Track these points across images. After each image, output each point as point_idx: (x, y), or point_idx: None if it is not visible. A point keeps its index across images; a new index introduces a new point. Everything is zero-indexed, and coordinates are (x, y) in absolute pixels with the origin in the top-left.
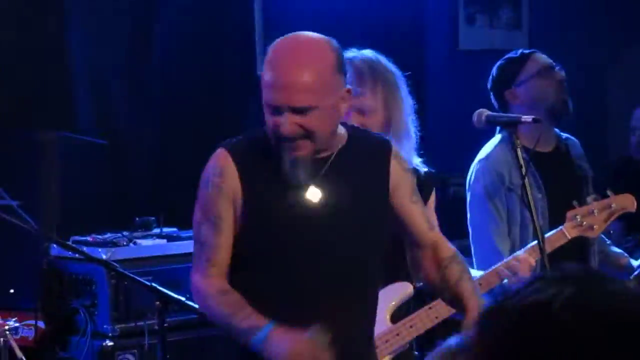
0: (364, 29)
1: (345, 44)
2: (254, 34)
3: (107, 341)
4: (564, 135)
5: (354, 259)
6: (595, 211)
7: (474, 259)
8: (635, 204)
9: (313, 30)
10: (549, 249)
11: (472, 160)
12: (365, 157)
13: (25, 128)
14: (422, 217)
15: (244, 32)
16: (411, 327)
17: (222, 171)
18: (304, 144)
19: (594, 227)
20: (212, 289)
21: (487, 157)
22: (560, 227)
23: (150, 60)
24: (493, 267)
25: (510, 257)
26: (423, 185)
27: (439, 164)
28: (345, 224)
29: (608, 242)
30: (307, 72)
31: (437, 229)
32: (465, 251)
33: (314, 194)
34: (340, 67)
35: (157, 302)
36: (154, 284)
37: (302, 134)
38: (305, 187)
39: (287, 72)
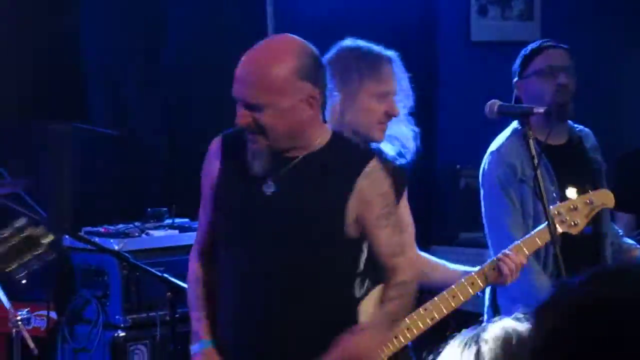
0: (375, 20)
1: (357, 36)
2: (267, 29)
3: (119, 332)
4: (578, 127)
5: (296, 257)
6: (578, 207)
7: (490, 250)
8: (614, 200)
9: (323, 26)
10: (535, 246)
11: (485, 151)
12: (335, 166)
13: (38, 119)
14: (387, 242)
15: (256, 28)
16: (408, 329)
17: (210, 158)
18: (258, 138)
19: (577, 222)
20: (192, 275)
21: (499, 149)
22: (545, 224)
23: (163, 53)
24: (481, 266)
25: (497, 255)
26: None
27: (451, 155)
28: (292, 222)
29: (620, 233)
30: (262, 71)
31: (405, 253)
32: (478, 243)
33: (268, 188)
34: (307, 73)
35: (169, 293)
36: (165, 275)
37: (255, 128)
38: (264, 180)
39: (246, 69)
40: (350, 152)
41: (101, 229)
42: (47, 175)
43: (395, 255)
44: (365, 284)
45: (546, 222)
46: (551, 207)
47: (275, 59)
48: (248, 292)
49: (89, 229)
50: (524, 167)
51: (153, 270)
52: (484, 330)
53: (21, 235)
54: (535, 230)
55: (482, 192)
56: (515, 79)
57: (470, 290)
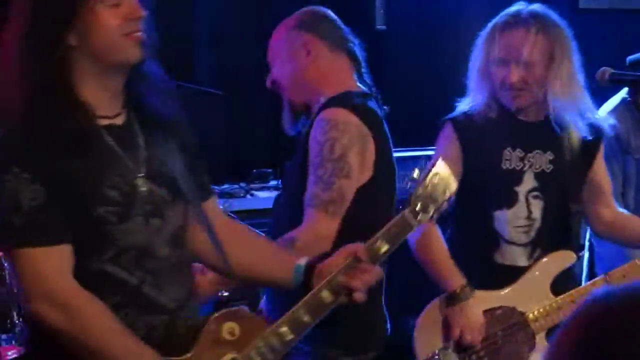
0: None
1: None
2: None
3: (222, 291)
4: None
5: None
6: None
7: None
8: None
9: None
10: None
11: None
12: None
13: None
14: (307, 190)
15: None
16: (572, 302)
17: None
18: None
19: None
20: None
21: None
22: None
23: (270, 13)
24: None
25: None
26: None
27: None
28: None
29: None
30: (272, 35)
31: (315, 211)
32: None
33: None
34: (302, 23)
35: None
36: (269, 236)
37: (274, 87)
38: None
39: None
40: (323, 105)
41: None
42: None
43: (305, 205)
44: (536, 254)
45: None
46: None
47: (280, 25)
48: None
49: None
50: (629, 138)
51: (258, 232)
52: None
53: (434, 178)
54: None
55: None
56: None
57: None
